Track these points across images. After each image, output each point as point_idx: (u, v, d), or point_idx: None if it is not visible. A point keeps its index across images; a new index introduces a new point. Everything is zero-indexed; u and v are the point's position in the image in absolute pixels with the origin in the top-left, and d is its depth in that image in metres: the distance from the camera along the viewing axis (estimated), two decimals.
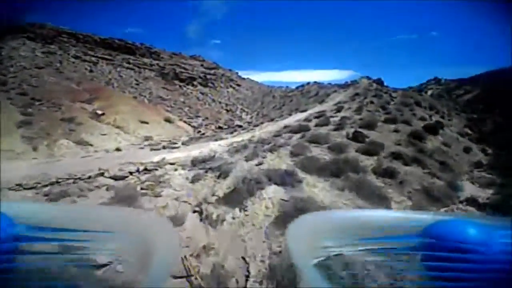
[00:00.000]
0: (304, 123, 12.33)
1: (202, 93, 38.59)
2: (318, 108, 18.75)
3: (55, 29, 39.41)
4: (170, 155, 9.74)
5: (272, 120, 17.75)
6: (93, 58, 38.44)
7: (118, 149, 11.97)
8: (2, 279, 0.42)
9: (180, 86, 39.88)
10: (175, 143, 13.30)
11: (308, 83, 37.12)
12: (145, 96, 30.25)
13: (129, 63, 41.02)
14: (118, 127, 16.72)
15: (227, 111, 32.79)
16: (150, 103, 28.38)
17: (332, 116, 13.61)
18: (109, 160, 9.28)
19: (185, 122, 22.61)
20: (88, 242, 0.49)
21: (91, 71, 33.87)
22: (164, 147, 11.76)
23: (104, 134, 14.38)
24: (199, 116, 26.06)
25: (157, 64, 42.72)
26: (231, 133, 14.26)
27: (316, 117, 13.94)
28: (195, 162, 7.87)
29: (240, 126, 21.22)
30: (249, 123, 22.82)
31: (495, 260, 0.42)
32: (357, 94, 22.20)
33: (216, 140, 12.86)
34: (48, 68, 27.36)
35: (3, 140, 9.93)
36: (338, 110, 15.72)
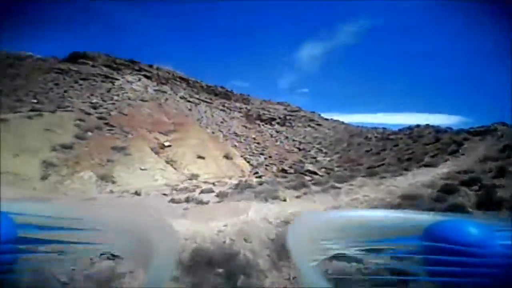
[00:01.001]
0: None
1: (277, 131, 36.23)
2: (454, 163, 11.29)
3: (171, 72, 47.82)
4: (177, 221, 5.73)
5: (372, 171, 11.33)
6: (196, 100, 43.69)
7: (137, 193, 9.07)
8: (2, 279, 0.42)
9: (258, 125, 39.53)
10: (211, 191, 9.39)
11: (418, 125, 27.64)
12: (222, 132, 30.26)
13: (223, 106, 45.13)
14: (170, 161, 14.77)
15: (299, 149, 27.83)
16: (223, 137, 27.61)
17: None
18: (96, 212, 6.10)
19: (245, 159, 19.08)
20: (88, 243, 0.49)
21: (190, 109, 37.80)
22: (187, 200, 7.93)
23: (144, 169, 12.14)
24: (262, 154, 22.32)
25: (246, 107, 46.03)
26: (296, 187, 9.04)
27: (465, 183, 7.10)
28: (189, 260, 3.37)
29: (312, 173, 15.54)
30: (327, 170, 16.98)
31: (495, 260, 0.41)
32: (508, 146, 13.09)
33: (266, 199, 8.03)
34: (151, 102, 31.34)
35: (17, 161, 8.52)
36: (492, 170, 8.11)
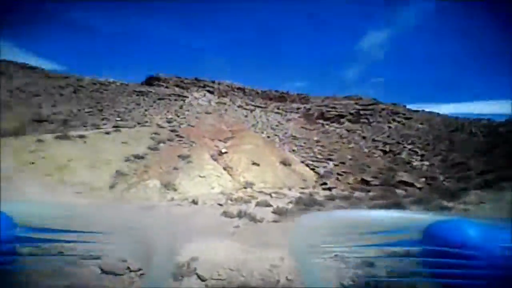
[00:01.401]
0: None
1: (349, 130, 31.54)
2: None
3: (230, 85, 50.51)
4: (225, 242, 4.75)
5: (486, 179, 7.93)
6: (251, 107, 44.75)
7: (194, 202, 8.76)
8: (2, 279, 0.42)
9: (322, 124, 36.24)
10: (267, 204, 8.15)
11: None
12: (278, 136, 29.16)
13: (278, 108, 44.48)
14: (227, 167, 14.50)
15: (385, 152, 22.70)
16: (280, 142, 26.41)
17: None
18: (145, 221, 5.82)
19: (307, 166, 17.09)
20: (88, 243, 0.49)
21: (246, 116, 38.76)
22: (240, 215, 6.89)
23: (203, 176, 12.04)
24: (330, 159, 19.36)
25: (304, 107, 43.35)
26: (385, 206, 6.75)
27: None
28: None
29: (406, 185, 12.27)
30: (427, 179, 12.98)
31: (495, 260, 0.41)
32: None
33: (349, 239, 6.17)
34: (214, 114, 33.27)
35: (92, 172, 9.31)
36: None
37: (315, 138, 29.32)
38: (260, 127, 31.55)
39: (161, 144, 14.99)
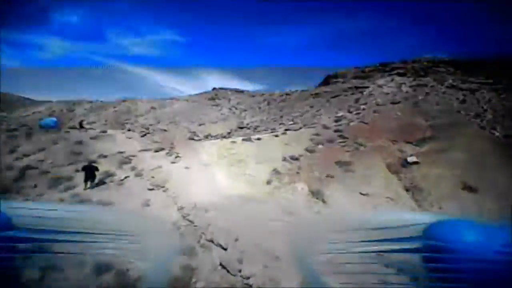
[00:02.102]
0: None
1: None
2: None
3: (432, 61, 37.72)
4: None
5: None
6: (472, 85, 30.43)
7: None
8: (1, 279, 0.43)
9: None
10: None
11: None
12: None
13: None
14: (414, 188, 10.06)
15: None
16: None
17: None
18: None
19: None
20: (88, 243, 0.48)
21: (462, 101, 26.64)
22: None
23: (365, 194, 9.28)
24: None
25: None
26: None
27: None
28: None
29: None
30: None
31: (494, 260, 0.42)
32: None
33: None
34: (403, 103, 26.21)
35: (257, 167, 10.08)
36: None
37: None
38: (483, 119, 19.48)
39: (319, 146, 13.68)
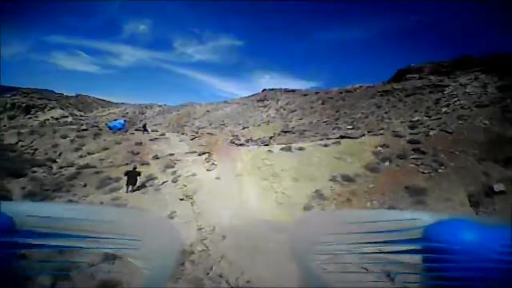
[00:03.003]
0: None
1: None
2: None
3: None
4: None
5: None
6: None
7: None
8: (1, 281, 0.43)
9: None
10: None
11: None
12: None
13: None
14: None
15: None
16: None
17: None
18: None
19: None
20: (88, 242, 0.50)
21: None
22: None
23: None
24: None
25: None
26: None
27: None
28: None
29: None
30: None
31: (494, 260, 0.41)
32: None
33: None
34: (491, 107, 19.53)
35: (294, 186, 8.49)
36: None
37: None
38: None
39: (386, 163, 10.74)
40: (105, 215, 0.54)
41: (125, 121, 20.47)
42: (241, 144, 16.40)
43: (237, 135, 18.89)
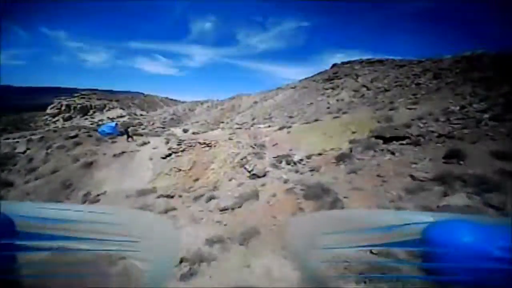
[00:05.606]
0: None
1: None
2: None
3: None
4: None
5: None
6: None
7: None
8: (1, 281, 0.42)
9: None
10: None
11: None
12: None
13: None
14: None
15: None
16: None
17: None
18: None
19: None
20: (88, 242, 0.49)
21: None
22: None
23: None
24: None
25: None
26: None
27: None
28: None
29: None
30: None
31: (494, 260, 0.41)
32: None
33: None
34: None
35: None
36: None
37: None
38: None
39: None
40: (105, 216, 0.51)
41: (116, 124, 15.25)
42: (256, 176, 7.45)
43: (261, 144, 9.87)
